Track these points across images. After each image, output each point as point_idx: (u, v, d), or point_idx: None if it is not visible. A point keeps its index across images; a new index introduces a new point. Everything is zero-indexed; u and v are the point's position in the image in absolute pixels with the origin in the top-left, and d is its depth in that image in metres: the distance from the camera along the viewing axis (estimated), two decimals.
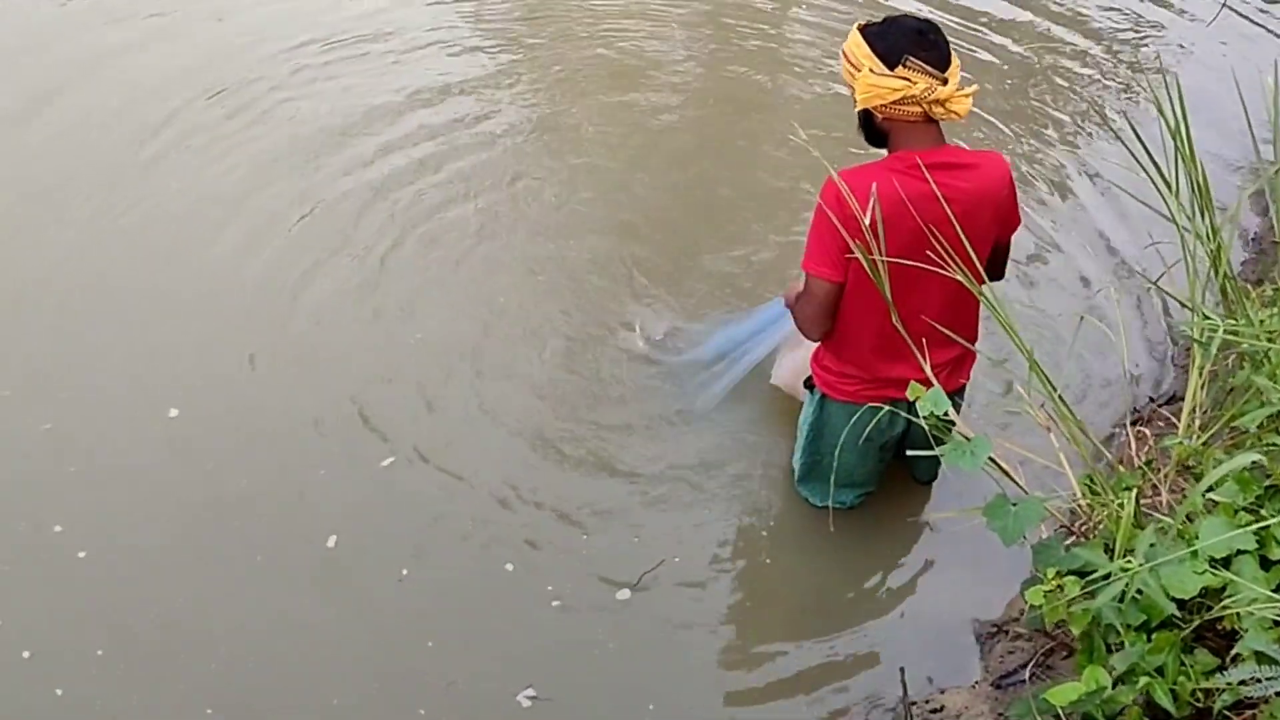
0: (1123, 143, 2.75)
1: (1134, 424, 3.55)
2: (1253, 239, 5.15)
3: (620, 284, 4.37)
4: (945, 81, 2.68)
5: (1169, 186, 2.67)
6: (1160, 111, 2.60)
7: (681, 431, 3.68)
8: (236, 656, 2.95)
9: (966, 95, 2.72)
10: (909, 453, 3.03)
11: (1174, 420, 2.81)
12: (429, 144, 5.16)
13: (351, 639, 3.01)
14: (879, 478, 3.32)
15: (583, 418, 3.74)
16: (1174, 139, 2.58)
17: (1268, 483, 2.37)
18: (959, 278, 2.61)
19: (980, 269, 2.73)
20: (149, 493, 3.41)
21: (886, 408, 2.95)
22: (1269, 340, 2.43)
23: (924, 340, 2.84)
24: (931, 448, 2.77)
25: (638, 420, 3.70)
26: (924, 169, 2.72)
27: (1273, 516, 2.31)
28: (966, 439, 2.30)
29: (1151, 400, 3.78)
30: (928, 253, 2.70)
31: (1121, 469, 2.66)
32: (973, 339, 2.99)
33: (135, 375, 3.81)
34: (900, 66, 2.68)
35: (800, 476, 3.43)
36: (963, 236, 2.67)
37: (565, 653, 2.99)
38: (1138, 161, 2.64)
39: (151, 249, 4.39)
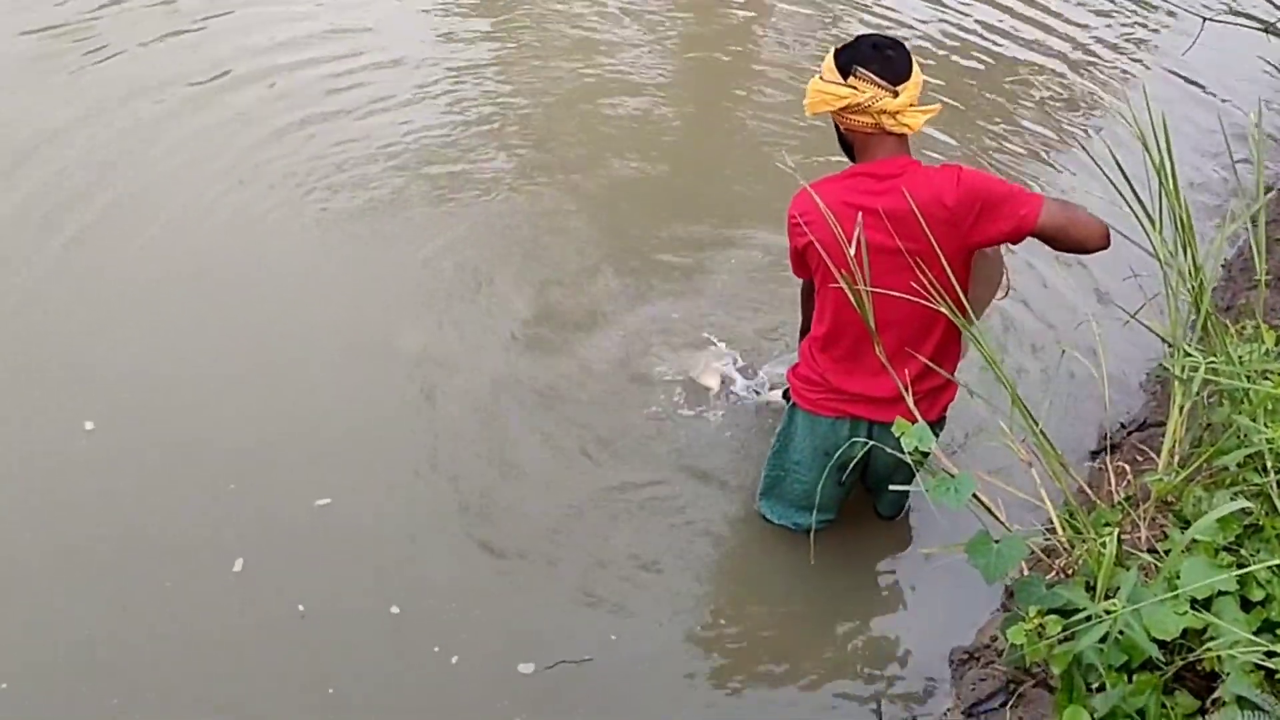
0: (1107, 178, 2.74)
1: (1111, 449, 3.58)
2: (1223, 265, 5.20)
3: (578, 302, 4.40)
4: (896, 95, 2.75)
5: (1152, 223, 2.67)
6: (1145, 147, 2.60)
7: (630, 464, 3.66)
8: (141, 679, 2.92)
9: (921, 111, 2.80)
10: (884, 486, 3.05)
11: (1150, 452, 2.82)
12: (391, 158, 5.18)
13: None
14: (839, 505, 3.28)
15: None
16: (1158, 175, 2.58)
17: (1246, 521, 2.39)
18: (935, 294, 2.65)
19: (952, 286, 2.72)
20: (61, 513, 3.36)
21: (846, 422, 3.03)
22: (1249, 379, 2.44)
23: (901, 361, 2.89)
24: (893, 481, 2.86)
25: (598, 450, 3.66)
26: (866, 179, 2.82)
27: (1252, 556, 2.32)
28: (950, 474, 2.28)
29: (1124, 427, 3.80)
30: (903, 266, 2.75)
31: (1101, 504, 2.66)
32: (951, 368, 2.99)
33: (52, 390, 3.75)
34: (851, 76, 2.78)
35: (762, 490, 3.43)
36: (902, 248, 2.73)
37: None
38: (1121, 196, 2.64)
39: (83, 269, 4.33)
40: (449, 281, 4.39)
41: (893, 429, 2.45)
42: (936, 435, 2.99)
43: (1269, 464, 2.34)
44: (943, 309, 2.67)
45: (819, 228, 2.85)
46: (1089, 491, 2.61)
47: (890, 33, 6.31)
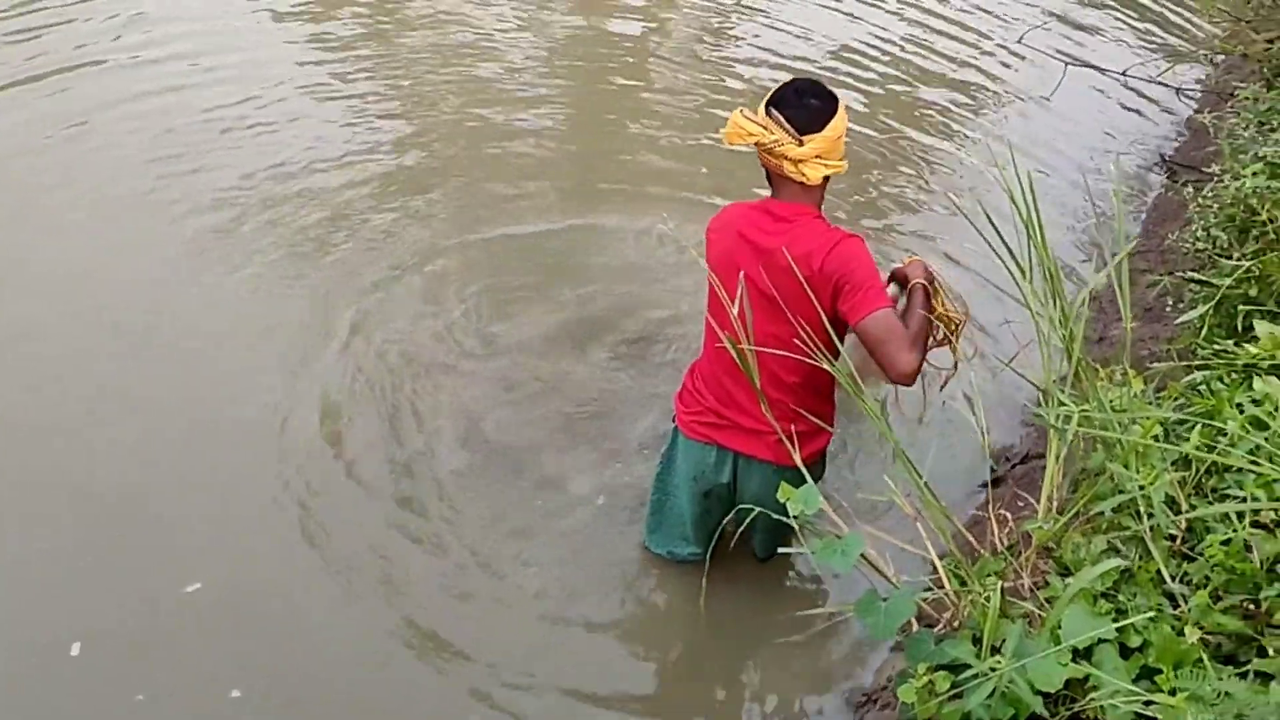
0: (976, 229, 2.80)
1: (993, 483, 3.63)
2: (1094, 297, 5.36)
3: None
4: (801, 144, 2.80)
5: (1023, 273, 2.73)
6: (1012, 201, 2.65)
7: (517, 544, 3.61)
8: None
9: (824, 165, 2.84)
10: (753, 525, 3.06)
11: (1030, 498, 2.87)
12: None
13: None
14: (708, 540, 3.21)
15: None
16: (1026, 230, 2.63)
17: (1123, 565, 2.44)
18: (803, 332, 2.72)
19: (824, 338, 2.77)
20: None
21: (713, 449, 3.07)
22: (1120, 425, 2.50)
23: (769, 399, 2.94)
24: (760, 521, 2.93)
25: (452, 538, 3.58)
26: (766, 215, 2.89)
27: (1129, 600, 2.37)
28: (836, 535, 2.29)
29: (1008, 460, 3.88)
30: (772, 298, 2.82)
31: (984, 554, 2.69)
32: (817, 411, 3.02)
33: None
34: (767, 115, 2.83)
35: (648, 515, 3.45)
36: (775, 292, 2.78)
37: None
38: (992, 248, 2.70)
39: None
40: (313, 338, 4.27)
41: (764, 477, 2.46)
42: (816, 478, 3.03)
43: (1142, 509, 2.39)
44: (795, 355, 2.73)
45: (712, 248, 2.97)
46: (972, 541, 2.64)
47: (776, 69, 6.44)
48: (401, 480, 3.69)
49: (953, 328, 3.05)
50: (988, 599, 2.29)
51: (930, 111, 6.51)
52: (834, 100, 2.87)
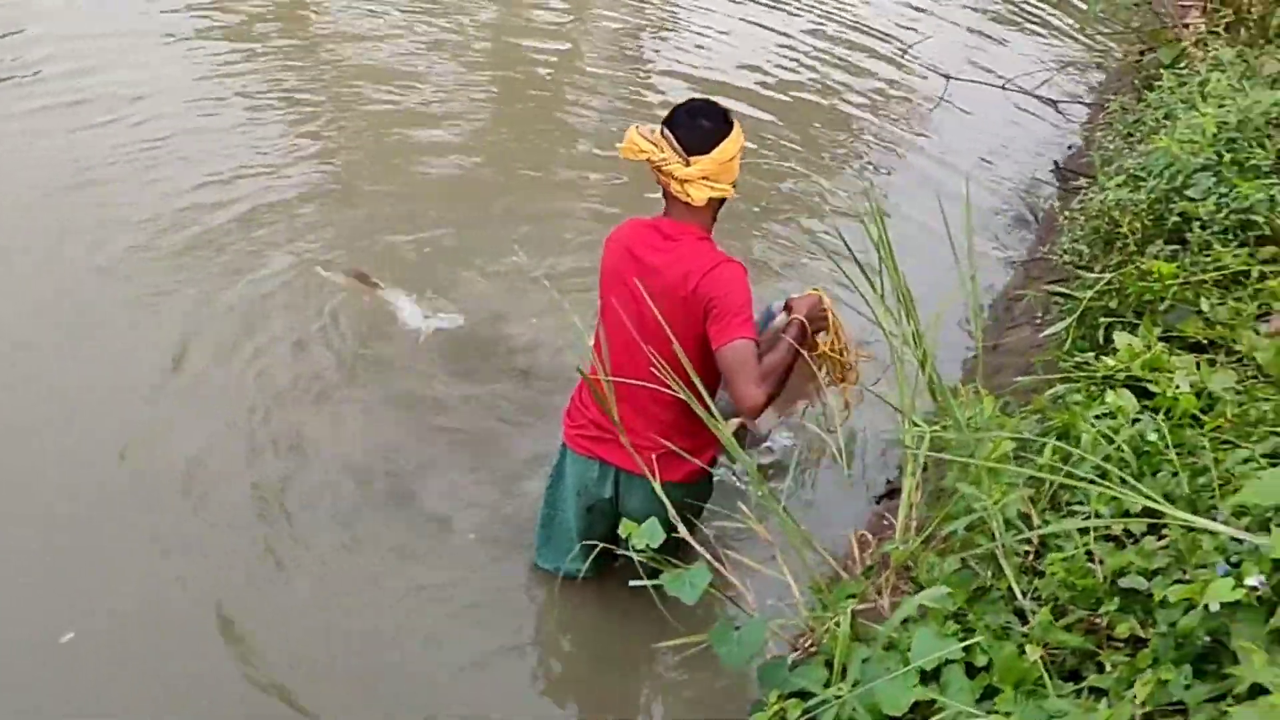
0: (828, 256, 2.82)
1: (880, 499, 3.66)
2: (989, 305, 5.44)
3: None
4: (687, 164, 2.83)
5: (878, 295, 2.75)
6: (864, 224, 2.67)
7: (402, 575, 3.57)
8: None
9: (709, 188, 2.86)
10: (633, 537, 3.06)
11: (893, 519, 2.88)
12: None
13: None
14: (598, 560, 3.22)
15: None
16: (877, 250, 2.66)
17: (975, 584, 2.46)
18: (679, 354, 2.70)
19: (694, 359, 2.79)
20: None
21: (595, 464, 3.09)
22: (971, 445, 2.52)
23: (646, 414, 3.00)
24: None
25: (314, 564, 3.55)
26: (655, 233, 2.92)
27: (978, 620, 2.39)
28: (684, 567, 2.28)
29: (890, 482, 3.92)
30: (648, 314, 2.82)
31: (846, 576, 2.70)
32: (698, 436, 3.01)
33: None
34: (658, 133, 2.87)
35: (537, 530, 3.45)
36: (654, 309, 2.79)
37: None
38: (844, 273, 2.72)
39: None
40: (179, 361, 4.22)
41: (646, 493, 2.45)
42: (698, 498, 3.09)
43: (994, 528, 2.41)
44: (702, 404, 2.67)
45: (604, 261, 3.04)
46: (833, 564, 2.65)
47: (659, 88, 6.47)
48: (272, 509, 3.65)
49: (839, 368, 3.07)
50: (838, 623, 2.29)
51: (830, 125, 6.58)
52: (727, 124, 2.89)
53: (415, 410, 4.09)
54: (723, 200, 2.99)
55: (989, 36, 8.07)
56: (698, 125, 2.87)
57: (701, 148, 2.84)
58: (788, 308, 3.06)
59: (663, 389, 2.91)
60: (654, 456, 2.93)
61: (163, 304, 4.44)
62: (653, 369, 2.78)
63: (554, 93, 6.61)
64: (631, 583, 2.25)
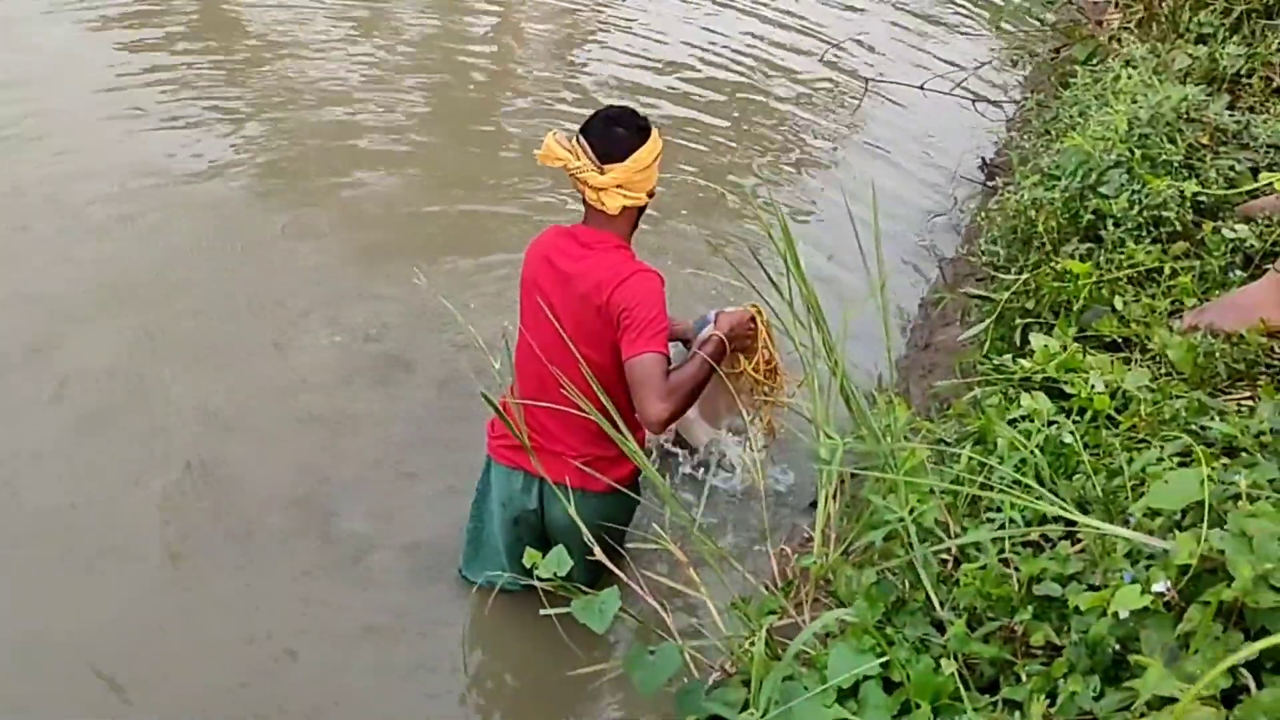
0: (735, 268, 2.81)
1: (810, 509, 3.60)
2: (920, 304, 5.44)
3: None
4: (602, 172, 2.83)
5: (789, 304, 2.72)
6: (770, 235, 2.64)
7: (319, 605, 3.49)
8: None
9: (624, 196, 2.87)
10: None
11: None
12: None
13: None
14: (524, 570, 3.17)
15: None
16: (783, 260, 2.62)
17: (893, 596, 2.42)
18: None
19: (608, 371, 2.85)
20: None
21: (520, 474, 3.10)
22: (885, 456, 2.49)
23: (569, 423, 2.99)
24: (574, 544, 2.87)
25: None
26: (573, 241, 2.93)
27: (897, 633, 2.35)
28: (594, 595, 2.22)
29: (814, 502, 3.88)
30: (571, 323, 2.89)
31: (766, 592, 2.66)
32: (609, 439, 2.93)
33: None
34: (574, 140, 2.90)
35: (465, 541, 3.44)
36: (549, 312, 2.84)
37: None
38: (750, 284, 2.69)
39: None
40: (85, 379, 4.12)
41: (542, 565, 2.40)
42: (626, 507, 3.12)
43: (909, 539, 2.38)
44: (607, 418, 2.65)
45: (523, 269, 3.06)
46: (753, 581, 2.61)
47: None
48: (181, 533, 3.60)
49: (762, 388, 3.05)
50: (752, 643, 2.24)
51: (760, 125, 6.58)
52: (643, 133, 2.89)
53: (333, 427, 4.01)
54: (642, 208, 2.99)
55: (918, 33, 8.11)
56: (612, 133, 2.87)
57: (616, 155, 2.85)
58: (717, 321, 3.05)
59: (585, 397, 2.84)
60: (579, 465, 2.94)
61: (55, 353, 4.30)
62: (561, 386, 2.77)
63: (487, 97, 6.57)
64: (542, 611, 2.18)
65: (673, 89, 6.86)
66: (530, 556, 2.19)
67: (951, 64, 6.88)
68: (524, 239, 4.71)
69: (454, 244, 5.04)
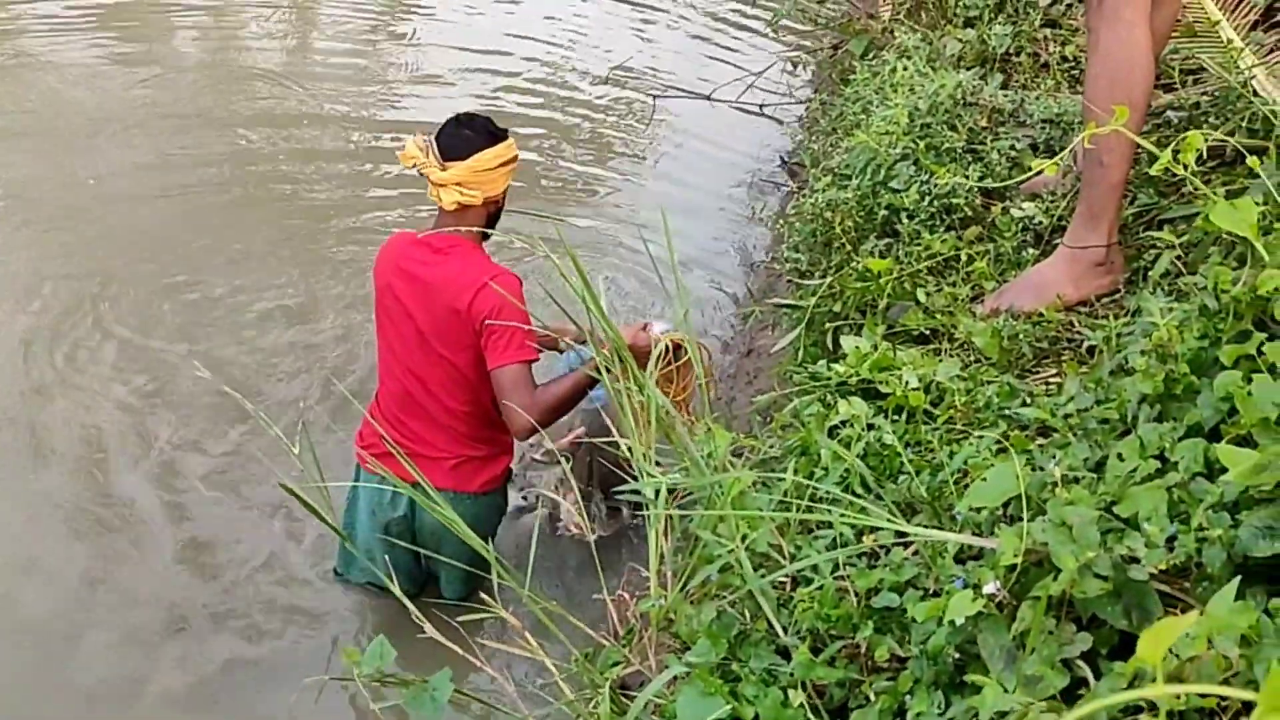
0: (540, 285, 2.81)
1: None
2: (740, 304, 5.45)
3: None
4: (443, 169, 2.96)
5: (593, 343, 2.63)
6: (561, 271, 2.54)
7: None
8: None
9: (460, 193, 2.95)
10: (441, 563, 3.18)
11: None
12: None
13: None
14: (410, 575, 3.32)
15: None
16: (582, 301, 2.53)
17: (735, 630, 2.35)
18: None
19: (473, 366, 3.00)
20: None
21: (384, 477, 3.00)
22: (710, 487, 2.42)
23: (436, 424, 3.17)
24: (444, 554, 3.02)
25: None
26: (425, 247, 3.03)
27: (743, 667, 2.28)
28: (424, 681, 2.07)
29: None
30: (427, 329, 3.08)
31: (608, 644, 2.55)
32: (490, 436, 3.18)
33: None
34: (428, 140, 3.02)
35: (340, 548, 3.51)
36: (421, 324, 2.99)
37: None
38: (556, 301, 2.63)
39: None
40: None
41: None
42: (494, 509, 3.27)
43: (742, 570, 2.31)
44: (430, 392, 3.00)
45: (375, 280, 3.15)
46: (592, 634, 2.50)
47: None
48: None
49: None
50: (596, 706, 2.14)
51: (557, 145, 6.54)
52: (491, 137, 3.00)
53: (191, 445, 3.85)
54: (493, 215, 3.10)
55: (710, 41, 8.17)
56: (460, 134, 2.99)
57: (457, 153, 2.97)
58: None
59: (452, 402, 3.08)
60: (449, 468, 3.10)
61: None
62: (428, 391, 3.03)
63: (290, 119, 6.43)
64: (419, 636, 2.07)
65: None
66: (348, 655, 2.02)
67: (742, 69, 6.94)
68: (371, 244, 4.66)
69: (293, 260, 4.95)
